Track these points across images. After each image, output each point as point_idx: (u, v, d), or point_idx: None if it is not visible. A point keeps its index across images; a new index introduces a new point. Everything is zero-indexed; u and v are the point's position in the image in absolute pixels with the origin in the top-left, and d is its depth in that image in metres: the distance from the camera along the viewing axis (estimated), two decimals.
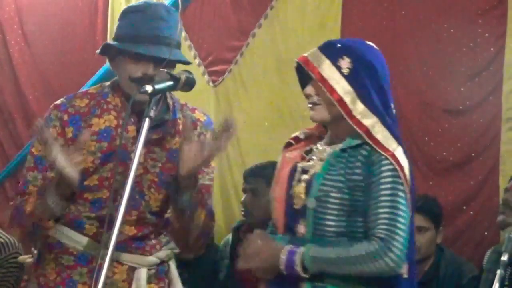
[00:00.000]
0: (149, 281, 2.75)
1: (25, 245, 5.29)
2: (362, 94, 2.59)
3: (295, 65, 2.75)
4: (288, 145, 2.81)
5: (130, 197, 2.58)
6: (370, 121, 2.56)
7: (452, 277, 4.21)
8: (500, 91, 4.70)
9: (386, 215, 2.49)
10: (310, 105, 2.68)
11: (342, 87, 2.59)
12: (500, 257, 3.19)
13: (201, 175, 2.73)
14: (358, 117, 2.56)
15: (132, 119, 2.68)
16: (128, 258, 2.71)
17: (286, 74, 5.28)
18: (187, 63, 2.73)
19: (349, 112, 2.57)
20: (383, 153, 2.51)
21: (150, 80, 2.54)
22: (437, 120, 4.83)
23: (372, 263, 2.46)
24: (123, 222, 2.60)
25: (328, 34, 5.19)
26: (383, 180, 2.51)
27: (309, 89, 2.68)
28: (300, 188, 2.62)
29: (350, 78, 2.60)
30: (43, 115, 6.09)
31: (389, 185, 2.51)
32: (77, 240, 2.68)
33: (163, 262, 2.82)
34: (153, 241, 2.77)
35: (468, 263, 4.35)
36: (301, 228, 2.59)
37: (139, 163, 2.60)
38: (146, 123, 2.33)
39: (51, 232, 2.69)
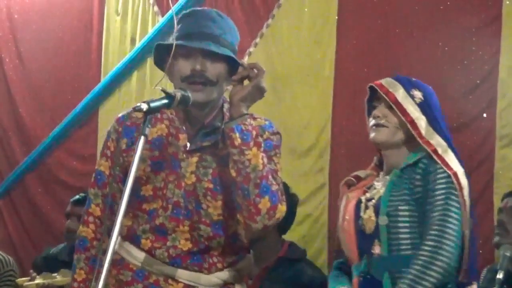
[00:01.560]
0: None
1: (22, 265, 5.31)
2: (431, 121, 2.82)
3: (368, 94, 2.94)
4: (348, 184, 2.99)
5: (182, 207, 2.59)
6: (436, 141, 2.77)
7: None
8: (494, 108, 4.72)
9: (438, 217, 2.64)
10: (374, 127, 2.86)
11: (415, 112, 2.81)
12: (496, 275, 3.18)
13: None
14: (427, 138, 2.78)
15: (184, 127, 2.65)
16: (184, 275, 2.61)
17: (282, 92, 5.30)
18: (236, 61, 2.68)
19: (419, 133, 2.78)
20: (447, 170, 2.70)
21: (201, 77, 2.55)
22: None
23: (428, 273, 2.58)
24: (177, 233, 2.60)
25: (323, 52, 5.22)
26: (437, 187, 2.68)
27: (379, 111, 2.86)
28: (369, 213, 2.77)
29: (422, 106, 2.83)
30: (37, 133, 6.13)
31: (443, 191, 2.67)
32: (135, 255, 2.63)
33: (227, 284, 2.69)
34: (214, 259, 2.65)
35: None
36: (377, 249, 2.74)
37: (191, 172, 2.60)
38: (141, 141, 2.29)
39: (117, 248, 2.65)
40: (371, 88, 2.92)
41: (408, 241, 2.70)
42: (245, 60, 5.45)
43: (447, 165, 2.70)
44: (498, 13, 4.76)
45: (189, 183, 2.60)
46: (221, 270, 2.66)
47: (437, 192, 2.67)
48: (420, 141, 2.76)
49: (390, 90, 2.83)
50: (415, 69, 4.88)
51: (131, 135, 2.68)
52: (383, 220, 2.70)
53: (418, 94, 2.85)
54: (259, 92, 2.57)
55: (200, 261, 2.62)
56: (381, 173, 2.93)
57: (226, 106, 2.69)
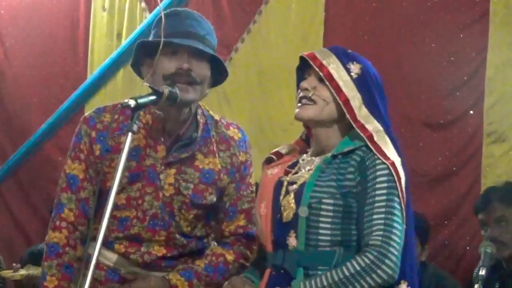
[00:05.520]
0: None
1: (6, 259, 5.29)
2: (368, 101, 2.47)
3: (299, 63, 2.60)
4: (268, 161, 2.65)
5: (159, 218, 2.59)
6: (373, 126, 2.43)
7: None
8: (482, 105, 4.72)
9: (381, 221, 2.35)
10: (300, 103, 2.50)
11: (350, 89, 2.45)
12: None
13: (240, 200, 2.67)
14: (362, 121, 2.43)
15: (162, 138, 2.62)
16: (158, 275, 2.63)
17: (268, 88, 5.30)
18: (221, 63, 2.64)
19: (354, 116, 2.44)
20: (384, 160, 2.38)
21: (187, 76, 2.52)
22: (418, 134, 4.84)
23: (369, 276, 2.30)
24: (152, 242, 2.61)
25: (310, 48, 5.19)
26: (378, 186, 2.38)
27: (307, 83, 2.51)
28: (289, 199, 2.45)
29: (358, 82, 2.48)
30: (24, 128, 6.11)
31: (384, 191, 2.37)
32: (108, 256, 2.63)
33: None
34: (187, 259, 2.69)
35: (451, 278, 4.34)
36: (293, 241, 2.43)
37: (169, 184, 2.59)
38: (129, 137, 2.29)
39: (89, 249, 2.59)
40: (303, 59, 2.56)
41: (328, 238, 2.40)
42: (232, 55, 5.44)
43: (383, 154, 2.38)
44: (485, 10, 4.76)
45: (167, 195, 2.60)
46: None
47: (378, 192, 2.36)
48: (354, 125, 2.43)
49: (324, 62, 2.47)
50: (403, 66, 4.90)
51: (105, 142, 2.63)
52: (303, 211, 2.38)
53: (355, 68, 2.48)
54: None
55: (174, 263, 2.65)
56: (308, 151, 2.60)
57: (200, 112, 2.68)
